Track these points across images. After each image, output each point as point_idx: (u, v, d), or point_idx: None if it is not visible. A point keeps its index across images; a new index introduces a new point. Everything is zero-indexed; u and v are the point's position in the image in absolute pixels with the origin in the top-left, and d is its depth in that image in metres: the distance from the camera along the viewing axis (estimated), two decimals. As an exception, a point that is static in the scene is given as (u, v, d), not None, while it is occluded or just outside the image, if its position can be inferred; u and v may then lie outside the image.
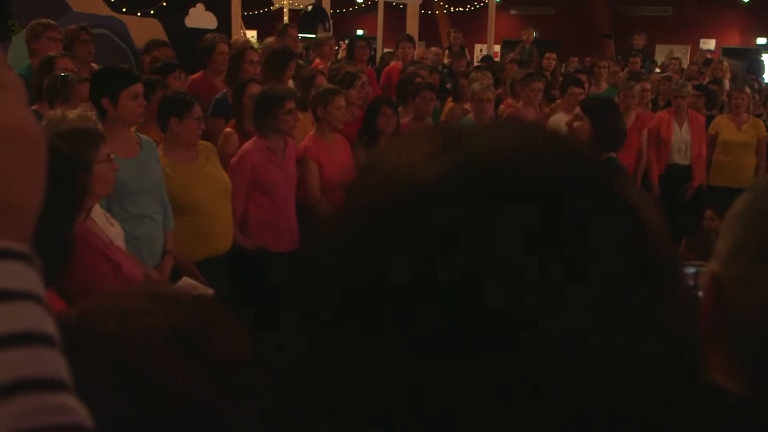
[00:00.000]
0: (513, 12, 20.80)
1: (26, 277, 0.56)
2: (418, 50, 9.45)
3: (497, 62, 10.66)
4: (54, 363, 0.55)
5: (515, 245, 0.51)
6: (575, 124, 4.16)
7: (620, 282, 0.52)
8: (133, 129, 4.09)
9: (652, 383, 0.52)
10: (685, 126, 7.50)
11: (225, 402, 0.84)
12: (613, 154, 4.13)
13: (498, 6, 14.85)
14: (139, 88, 3.94)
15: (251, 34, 13.03)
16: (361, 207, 0.58)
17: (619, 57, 12.23)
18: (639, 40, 12.91)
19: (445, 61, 10.81)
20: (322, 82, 5.68)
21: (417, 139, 0.60)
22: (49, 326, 0.56)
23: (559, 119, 6.94)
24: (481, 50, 17.31)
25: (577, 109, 4.26)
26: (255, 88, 5.02)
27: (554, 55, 9.68)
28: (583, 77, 7.69)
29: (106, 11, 8.50)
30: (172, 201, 4.15)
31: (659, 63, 13.18)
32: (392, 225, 0.54)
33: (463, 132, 0.60)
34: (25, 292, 0.55)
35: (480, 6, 17.46)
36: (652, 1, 19.16)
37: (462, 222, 0.52)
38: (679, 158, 7.53)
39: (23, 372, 0.53)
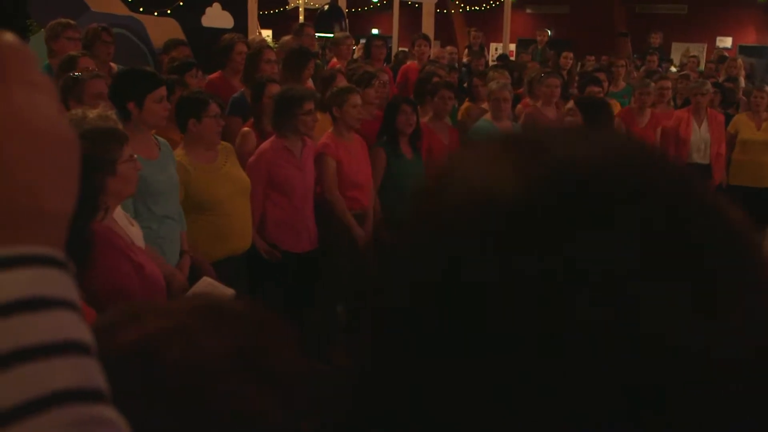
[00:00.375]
0: (528, 11, 20.76)
1: (62, 283, 0.55)
2: (435, 49, 9.43)
3: (514, 61, 10.63)
4: (92, 372, 0.54)
5: (630, 257, 0.50)
6: (567, 119, 4.11)
7: (735, 288, 0.52)
8: (152, 131, 4.10)
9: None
10: (704, 125, 7.46)
11: (289, 420, 0.83)
12: None
13: (513, 5, 14.81)
14: (163, 91, 3.96)
15: (266, 34, 13.04)
16: (448, 221, 0.56)
17: (635, 55, 12.17)
18: (656, 39, 12.83)
19: (464, 60, 10.79)
20: (343, 81, 5.67)
21: (497, 149, 0.59)
22: (86, 334, 0.55)
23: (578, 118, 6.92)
24: (496, 49, 17.28)
25: (570, 104, 4.16)
26: (274, 88, 5.03)
27: (571, 54, 9.64)
28: (602, 76, 7.66)
29: (124, 11, 8.52)
30: (192, 200, 4.16)
31: (675, 62, 13.13)
32: (484, 242, 0.53)
33: (545, 140, 0.58)
34: (61, 299, 0.54)
35: (495, 5, 17.42)
36: (668, 0, 19.08)
37: (561, 237, 0.51)
38: (698, 157, 7.49)
39: (63, 383, 0.52)
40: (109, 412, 0.54)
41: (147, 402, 0.55)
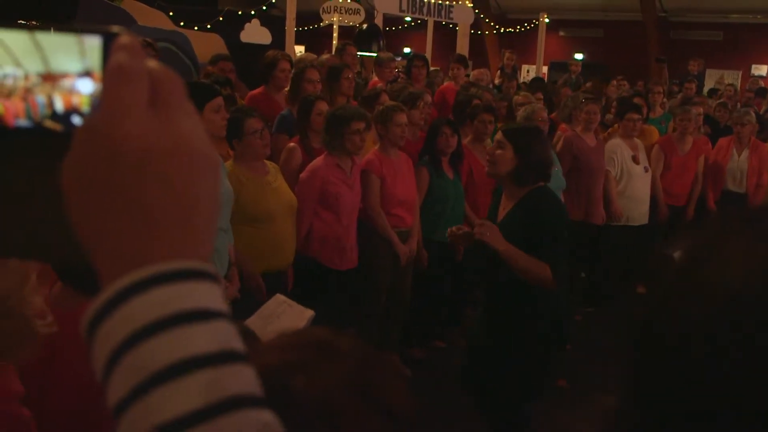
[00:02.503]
0: (561, 33, 20.77)
1: (216, 295, 0.59)
2: (474, 72, 9.47)
3: (548, 83, 10.64)
4: (252, 379, 0.58)
5: None
6: (497, 152, 3.86)
7: None
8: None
9: None
10: (744, 154, 7.42)
11: None
12: (541, 184, 3.86)
13: (547, 27, 14.82)
14: (220, 101, 4.01)
15: (299, 50, 13.15)
16: (695, 312, 0.58)
17: (672, 81, 12.12)
18: (694, 66, 12.76)
19: (496, 81, 10.81)
20: (386, 100, 5.72)
21: (756, 238, 0.60)
22: (240, 343, 0.59)
23: (616, 144, 6.91)
24: (528, 71, 17.30)
25: (499, 135, 3.95)
26: (323, 106, 5.10)
27: (615, 82, 9.66)
28: (640, 101, 7.65)
29: (169, 25, 8.65)
30: (242, 211, 4.20)
31: (708, 88, 13.05)
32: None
33: None
34: (218, 310, 0.58)
35: (529, 27, 17.45)
36: (703, 26, 19.01)
37: None
38: (734, 185, 7.46)
39: (232, 390, 0.56)
40: (268, 417, 0.58)
41: None
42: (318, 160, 4.80)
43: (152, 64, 0.60)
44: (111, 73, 0.58)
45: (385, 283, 5.18)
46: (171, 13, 10.01)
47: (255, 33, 11.08)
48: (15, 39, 0.62)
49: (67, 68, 0.62)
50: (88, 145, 0.58)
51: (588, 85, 10.10)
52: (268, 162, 4.55)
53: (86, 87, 0.62)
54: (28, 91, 0.63)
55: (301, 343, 0.94)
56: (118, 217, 0.57)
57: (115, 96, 0.58)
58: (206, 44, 8.26)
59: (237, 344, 0.58)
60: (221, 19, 10.60)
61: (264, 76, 6.33)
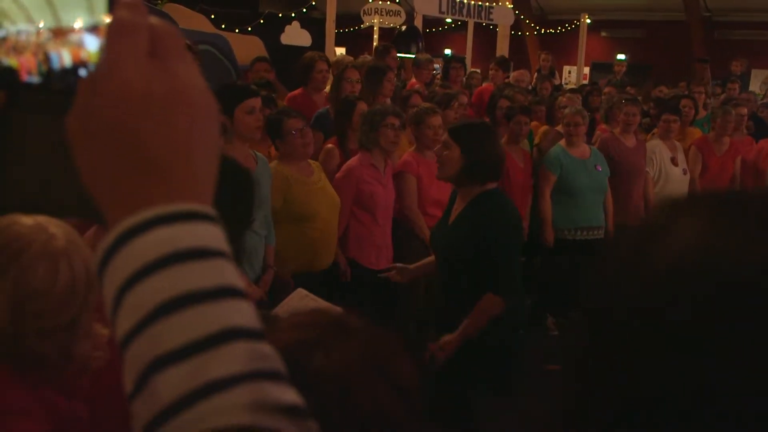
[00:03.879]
0: (603, 34, 20.56)
1: (215, 236, 0.62)
2: (515, 73, 9.45)
3: (589, 85, 10.57)
4: (251, 314, 0.61)
5: None
6: (444, 153, 3.72)
7: None
8: (247, 143, 4.20)
9: None
10: (786, 154, 7.30)
11: (414, 424, 0.89)
12: (492, 185, 3.69)
13: (588, 28, 14.71)
14: (254, 102, 4.04)
15: (340, 51, 13.22)
16: (650, 290, 0.58)
17: (714, 82, 11.96)
18: (737, 66, 12.57)
19: (533, 83, 10.78)
20: (417, 101, 5.75)
21: (715, 210, 0.60)
22: (240, 280, 0.62)
23: (656, 146, 6.85)
24: (569, 72, 17.17)
25: (445, 136, 3.80)
26: (364, 107, 5.15)
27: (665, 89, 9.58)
28: (689, 102, 7.58)
29: (210, 28, 8.76)
30: (289, 210, 4.26)
31: (753, 88, 12.84)
32: (715, 317, 0.54)
33: None
34: (217, 249, 0.61)
35: (570, 28, 17.33)
36: (749, 25, 18.67)
37: None
38: (776, 187, 7.33)
39: (229, 322, 0.59)
40: (268, 349, 0.61)
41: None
42: (353, 160, 4.86)
43: (153, 19, 0.63)
44: (112, 27, 0.61)
45: (421, 282, 5.20)
46: (212, 16, 10.15)
47: (295, 35, 11.17)
48: None
49: (76, 23, 0.65)
50: (90, 94, 0.61)
51: (628, 89, 10.02)
52: (312, 162, 4.61)
53: (93, 42, 0.66)
54: (39, 47, 0.66)
55: (314, 322, 0.97)
56: (119, 162, 0.60)
57: (116, 47, 0.61)
58: (246, 47, 8.36)
59: (235, 281, 0.61)
60: (262, 21, 10.71)
61: (302, 77, 6.40)
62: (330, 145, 5.21)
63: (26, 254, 1.47)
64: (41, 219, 1.52)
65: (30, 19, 0.65)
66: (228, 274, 0.61)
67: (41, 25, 0.65)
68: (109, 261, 0.60)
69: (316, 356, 0.89)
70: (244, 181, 2.30)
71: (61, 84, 0.66)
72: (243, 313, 0.60)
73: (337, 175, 4.79)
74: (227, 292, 0.60)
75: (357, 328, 0.97)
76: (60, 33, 0.66)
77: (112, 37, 0.61)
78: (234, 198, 2.23)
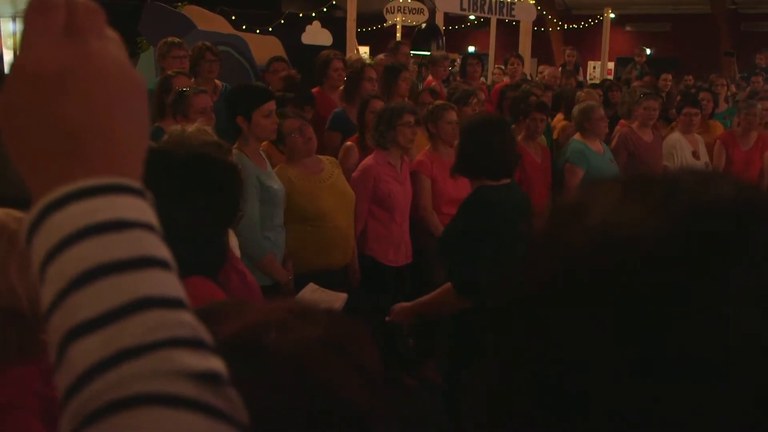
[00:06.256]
0: (628, 28, 20.42)
1: (137, 208, 0.62)
2: (549, 69, 9.41)
3: (608, 80, 10.50)
4: (171, 283, 0.61)
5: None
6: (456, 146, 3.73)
7: None
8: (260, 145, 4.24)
9: None
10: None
11: (376, 406, 0.90)
12: (487, 182, 3.56)
13: (613, 22, 14.59)
14: (271, 105, 4.09)
15: (363, 50, 13.24)
16: (572, 259, 0.59)
17: (742, 75, 11.81)
18: (762, 59, 12.41)
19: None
20: (426, 98, 5.75)
21: (626, 188, 0.61)
22: (163, 251, 0.62)
23: (675, 140, 6.79)
24: (594, 68, 17.07)
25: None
26: (378, 104, 5.15)
27: (670, 76, 9.46)
28: (706, 96, 7.50)
29: (228, 29, 8.81)
30: (296, 210, 4.28)
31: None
32: (615, 286, 0.55)
33: (677, 181, 0.60)
34: (136, 221, 0.61)
35: (594, 23, 17.21)
36: (776, 17, 18.46)
37: (697, 283, 0.53)
38: (804, 181, 7.23)
39: (144, 291, 0.59)
40: (188, 317, 0.61)
41: (250, 387, 0.62)
42: (368, 159, 4.86)
43: None
44: (28, 8, 0.63)
45: (440, 280, 5.20)
46: (233, 17, 10.22)
47: (316, 35, 11.22)
48: None
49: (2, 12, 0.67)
50: (11, 76, 0.62)
51: (646, 79, 9.93)
52: (325, 158, 4.62)
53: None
54: None
55: (281, 308, 0.99)
56: (40, 141, 0.61)
57: (31, 28, 0.62)
58: (264, 47, 8.40)
59: (154, 251, 0.61)
60: (282, 21, 10.76)
61: (318, 76, 6.43)
62: (349, 143, 5.22)
63: None
64: None
65: None
66: (147, 244, 0.61)
67: None
68: (32, 237, 0.60)
69: (271, 335, 0.90)
70: (226, 174, 2.32)
71: None
72: (160, 282, 0.60)
73: (354, 174, 4.79)
74: (144, 262, 0.60)
75: (322, 314, 0.99)
76: None
77: (28, 18, 0.63)
78: (216, 191, 2.24)
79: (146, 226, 0.62)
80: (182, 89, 4.51)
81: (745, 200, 0.57)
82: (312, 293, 2.94)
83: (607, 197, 0.61)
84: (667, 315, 0.53)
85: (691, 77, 10.35)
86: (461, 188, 5.23)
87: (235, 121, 4.05)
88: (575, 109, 6.20)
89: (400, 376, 5.11)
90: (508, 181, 3.71)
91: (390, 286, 4.89)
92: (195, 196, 2.19)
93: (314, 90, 6.41)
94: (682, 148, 6.73)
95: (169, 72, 5.25)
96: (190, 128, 3.29)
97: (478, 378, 0.65)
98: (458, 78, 7.96)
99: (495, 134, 3.67)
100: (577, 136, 6.10)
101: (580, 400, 0.56)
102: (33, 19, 0.62)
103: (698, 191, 0.58)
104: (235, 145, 3.80)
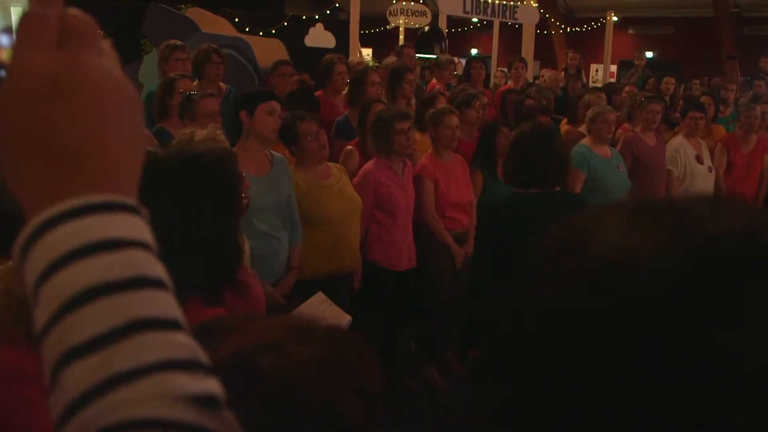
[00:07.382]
0: (631, 31, 20.40)
1: (131, 225, 0.61)
2: (551, 73, 9.41)
3: (612, 84, 10.49)
4: (165, 303, 0.60)
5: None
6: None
7: None
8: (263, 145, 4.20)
9: None
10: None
11: (373, 426, 0.90)
12: (515, 189, 3.80)
13: (615, 25, 14.58)
14: (275, 105, 4.10)
15: (366, 52, 13.24)
16: (577, 288, 0.59)
17: (746, 78, 11.79)
18: (766, 63, 12.39)
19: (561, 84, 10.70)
20: (443, 103, 5.75)
21: (634, 216, 0.62)
22: (158, 270, 0.61)
23: (679, 143, 6.78)
24: (597, 71, 17.04)
25: None
26: (379, 108, 5.14)
27: (672, 80, 9.45)
28: (708, 100, 7.49)
29: (232, 32, 8.82)
30: (303, 215, 4.26)
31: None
32: (625, 318, 0.56)
33: (689, 210, 0.60)
34: (130, 239, 0.60)
35: (597, 26, 17.20)
36: (780, 21, 18.44)
37: (707, 320, 0.54)
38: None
39: (137, 313, 0.58)
40: (183, 338, 0.60)
41: (243, 409, 0.62)
42: (369, 164, 4.87)
43: (69, 10, 0.63)
44: (21, 22, 0.62)
45: (443, 284, 5.21)
46: (237, 20, 10.22)
47: (319, 37, 11.23)
48: None
49: None
50: (2, 89, 0.61)
51: (651, 81, 9.91)
52: (332, 164, 4.62)
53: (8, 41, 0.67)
54: None
55: (277, 326, 0.98)
56: (32, 156, 0.60)
57: (22, 41, 0.61)
58: (267, 50, 8.41)
59: (149, 271, 0.60)
60: (285, 24, 10.76)
61: (321, 79, 6.43)
62: (349, 147, 5.22)
63: None
64: None
65: None
66: (142, 263, 0.60)
67: None
68: (25, 257, 0.59)
69: (266, 357, 0.90)
70: (223, 175, 2.29)
71: None
72: (154, 303, 0.59)
73: (355, 179, 4.79)
74: (137, 283, 0.59)
75: (320, 334, 0.98)
76: None
77: (20, 31, 0.62)
78: (212, 193, 2.19)
79: (140, 245, 0.60)
80: (190, 92, 4.48)
81: (756, 228, 0.58)
82: (320, 303, 2.93)
83: (613, 223, 0.61)
84: (667, 315, 0.54)
85: (698, 81, 10.32)
86: (464, 192, 5.24)
87: (238, 119, 4.05)
88: (589, 113, 6.20)
89: (401, 378, 5.11)
90: (536, 190, 3.80)
91: (392, 290, 4.90)
92: (194, 196, 2.14)
93: (317, 93, 6.42)
94: (686, 152, 6.73)
95: (172, 75, 5.24)
96: (200, 134, 3.24)
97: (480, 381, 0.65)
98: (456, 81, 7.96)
99: (520, 143, 3.91)
100: (584, 141, 6.10)
101: (581, 400, 0.56)
102: (24, 33, 0.62)
103: (709, 220, 0.58)
104: (234, 148, 3.77)
